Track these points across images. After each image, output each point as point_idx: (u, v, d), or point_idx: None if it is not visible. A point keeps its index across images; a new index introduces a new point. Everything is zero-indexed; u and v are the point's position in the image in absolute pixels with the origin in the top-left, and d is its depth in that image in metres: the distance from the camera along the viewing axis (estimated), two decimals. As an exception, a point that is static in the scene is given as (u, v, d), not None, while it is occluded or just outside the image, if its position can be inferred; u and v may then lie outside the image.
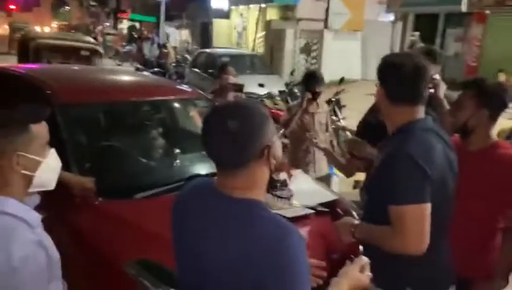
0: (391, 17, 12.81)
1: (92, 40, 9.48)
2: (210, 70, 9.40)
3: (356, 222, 1.71)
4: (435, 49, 2.65)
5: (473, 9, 10.56)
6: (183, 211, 1.23)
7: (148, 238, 1.95)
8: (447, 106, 2.30)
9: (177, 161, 2.84)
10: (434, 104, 2.25)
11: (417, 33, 10.57)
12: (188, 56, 15.28)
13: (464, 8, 10.56)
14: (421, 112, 1.60)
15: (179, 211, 1.25)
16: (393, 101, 1.58)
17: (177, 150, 2.93)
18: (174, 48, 20.06)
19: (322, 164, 3.77)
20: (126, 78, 3.51)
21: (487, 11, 10.62)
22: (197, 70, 10.46)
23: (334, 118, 6.59)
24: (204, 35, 24.31)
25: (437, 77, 2.36)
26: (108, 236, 1.99)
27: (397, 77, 1.55)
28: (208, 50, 12.40)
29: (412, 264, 1.53)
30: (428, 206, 1.48)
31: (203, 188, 1.22)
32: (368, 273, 1.24)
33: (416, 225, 1.46)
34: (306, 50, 13.29)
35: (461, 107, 1.90)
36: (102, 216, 2.13)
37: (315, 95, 3.61)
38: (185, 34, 26.09)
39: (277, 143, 1.15)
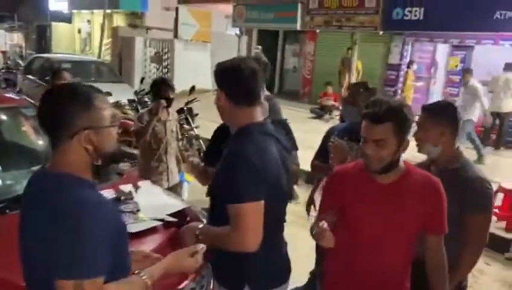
0: (238, 30, 13.51)
1: None
2: (47, 78, 8.47)
3: (200, 225, 1.73)
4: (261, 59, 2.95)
5: (306, 27, 11.84)
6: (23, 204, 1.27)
7: None
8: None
9: None
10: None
11: (260, 47, 11.37)
12: (20, 62, 13.56)
13: (299, 26, 11.75)
14: (259, 113, 1.70)
15: (22, 205, 1.28)
16: (235, 103, 1.65)
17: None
18: (3, 52, 17.59)
19: (174, 173, 3.72)
20: None
21: (317, 30, 12.03)
22: (31, 77, 9.34)
23: (187, 126, 6.61)
24: (41, 40, 21.94)
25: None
26: None
27: (237, 79, 1.64)
28: (45, 55, 11.20)
29: (249, 262, 1.61)
30: (262, 204, 1.57)
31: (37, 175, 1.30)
32: (198, 260, 1.35)
33: (252, 222, 1.55)
34: (157, 59, 13.06)
35: (383, 146, 1.62)
36: None
37: (168, 102, 3.51)
38: (17, 37, 23.10)
39: (104, 131, 1.22)
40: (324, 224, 1.57)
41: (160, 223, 2.26)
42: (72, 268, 1.06)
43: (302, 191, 4.43)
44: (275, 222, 1.68)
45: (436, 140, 2.01)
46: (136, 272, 1.25)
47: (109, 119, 1.23)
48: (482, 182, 2.00)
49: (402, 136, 1.64)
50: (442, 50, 11.28)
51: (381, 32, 10.42)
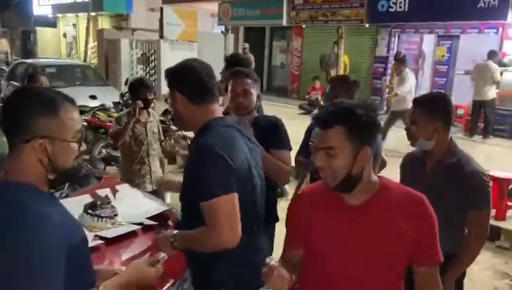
0: (223, 29, 13.43)
1: None
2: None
3: (175, 232, 1.67)
4: (237, 55, 2.90)
5: (292, 23, 11.79)
6: None
7: None
8: None
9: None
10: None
11: (247, 44, 11.30)
12: (5, 68, 13.37)
13: (285, 22, 11.70)
14: (218, 110, 1.70)
15: None
16: (194, 102, 1.63)
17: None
18: (-12, 59, 17.37)
19: (158, 174, 3.64)
20: None
21: (303, 25, 11.99)
22: (15, 83, 9.19)
23: (173, 127, 6.54)
24: (26, 45, 21.68)
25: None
26: None
27: (193, 77, 1.63)
28: (28, 60, 11.04)
29: (224, 264, 1.55)
30: (235, 196, 1.52)
31: None
32: (159, 269, 1.30)
33: (228, 215, 1.49)
34: (143, 60, 12.93)
35: (334, 156, 1.32)
36: None
37: (146, 103, 3.43)
38: (2, 43, 22.81)
39: (63, 144, 1.13)
40: (272, 261, 1.35)
41: (139, 227, 2.19)
42: None
43: (291, 188, 4.38)
44: (251, 219, 1.62)
45: (430, 135, 1.99)
46: (93, 287, 1.17)
47: (72, 133, 1.14)
48: (480, 176, 2.00)
49: (358, 143, 1.30)
50: (428, 41, 11.29)
51: (367, 25, 10.41)
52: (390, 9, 9.70)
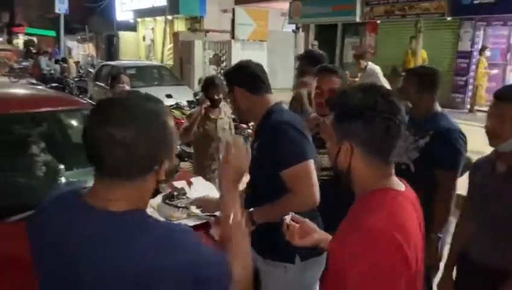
0: (294, 27, 13.36)
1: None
2: (112, 83, 8.96)
3: (250, 210, 1.80)
4: (312, 52, 2.90)
5: (366, 19, 11.39)
6: (43, 230, 1.02)
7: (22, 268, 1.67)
8: None
9: (63, 178, 2.55)
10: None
11: (316, 42, 11.12)
12: (91, 70, 14.49)
13: (358, 18, 11.34)
14: (274, 100, 1.93)
15: (38, 230, 1.04)
16: (254, 92, 1.88)
17: (63, 166, 2.63)
18: (77, 62, 18.92)
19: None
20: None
21: (378, 21, 11.52)
22: (100, 83, 9.90)
23: (243, 125, 6.62)
24: (109, 49, 23.32)
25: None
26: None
27: (250, 72, 1.90)
28: (112, 62, 11.86)
29: None
30: (312, 162, 1.75)
31: (67, 201, 1.03)
32: (248, 148, 1.25)
33: (309, 178, 1.72)
34: (215, 61, 13.28)
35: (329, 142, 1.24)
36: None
37: (214, 102, 3.54)
38: (88, 47, 24.77)
39: (173, 157, 1.04)
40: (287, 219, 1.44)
41: (212, 218, 2.22)
42: None
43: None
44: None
45: (510, 131, 1.72)
46: (224, 216, 1.13)
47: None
48: None
49: (340, 134, 1.14)
50: (518, 33, 10.30)
51: (449, 18, 9.73)
52: (475, 1, 8.98)
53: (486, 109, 7.37)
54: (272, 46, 12.88)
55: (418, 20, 9.48)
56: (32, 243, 1.06)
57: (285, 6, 13.22)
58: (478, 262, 1.85)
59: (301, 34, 13.28)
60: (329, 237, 1.42)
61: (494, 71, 9.99)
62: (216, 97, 3.54)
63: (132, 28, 22.44)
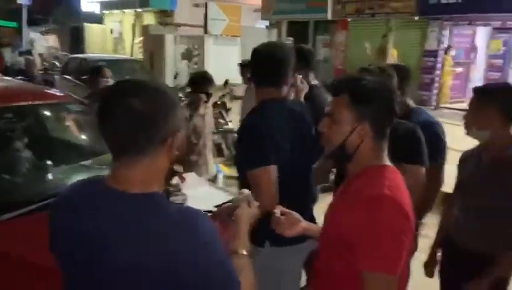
0: (267, 23, 13.43)
1: None
2: (83, 77, 8.69)
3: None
4: (301, 48, 2.88)
5: (337, 17, 11.60)
6: (66, 217, 1.03)
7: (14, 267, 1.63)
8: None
9: (49, 175, 2.49)
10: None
11: (291, 38, 11.23)
12: (57, 63, 13.99)
13: (329, 16, 11.53)
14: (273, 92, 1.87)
15: (61, 216, 1.04)
16: (259, 86, 1.89)
17: (48, 162, 2.56)
18: (40, 54, 18.19)
19: (212, 165, 3.73)
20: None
21: (349, 19, 11.76)
22: (68, 77, 9.58)
23: (221, 121, 6.61)
24: (75, 41, 22.56)
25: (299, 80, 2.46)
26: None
27: (257, 64, 1.90)
28: (80, 55, 11.49)
29: (269, 220, 1.57)
30: (273, 168, 1.74)
31: (91, 187, 1.05)
32: (255, 203, 1.34)
33: (258, 187, 1.68)
34: (187, 55, 13.15)
35: (334, 122, 1.30)
36: None
37: (208, 97, 3.51)
38: (52, 39, 23.87)
39: (182, 132, 1.05)
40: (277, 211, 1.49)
41: (208, 215, 2.22)
42: None
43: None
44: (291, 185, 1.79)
45: (483, 123, 1.89)
46: (231, 254, 1.16)
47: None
48: None
49: (358, 115, 1.24)
50: (482, 33, 10.79)
51: (416, 18, 10.07)
52: (442, 1, 9.34)
53: (450, 106, 7.77)
54: (245, 42, 12.89)
55: (388, 19, 9.75)
56: (54, 228, 1.06)
57: (258, 2, 13.26)
58: (463, 247, 1.98)
59: (274, 30, 13.36)
60: (315, 226, 1.57)
61: (459, 70, 10.45)
62: (210, 91, 3.50)
63: (99, 20, 21.82)
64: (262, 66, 1.86)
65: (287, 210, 1.53)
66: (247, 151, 1.78)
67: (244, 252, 1.18)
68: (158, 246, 0.92)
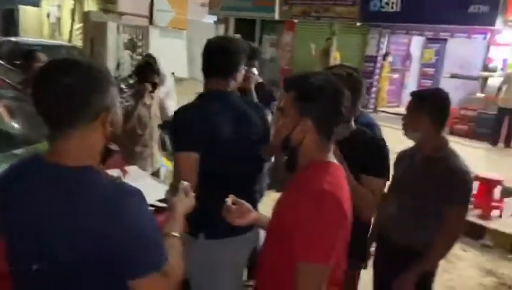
0: (215, 18, 13.33)
1: None
2: (17, 62, 8.10)
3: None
4: (249, 44, 2.93)
5: (284, 17, 11.79)
6: (6, 197, 1.07)
7: None
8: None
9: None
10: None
11: (238, 35, 11.23)
12: (-15, 45, 12.92)
13: (276, 16, 11.69)
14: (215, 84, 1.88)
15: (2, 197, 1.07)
16: (206, 76, 1.89)
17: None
18: (-34, 35, 16.70)
19: (157, 157, 3.65)
20: None
21: (295, 20, 12.00)
22: (0, 61, 8.89)
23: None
24: (8, 24, 20.95)
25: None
26: None
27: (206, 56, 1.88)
28: (13, 39, 10.70)
29: (204, 212, 1.55)
30: (193, 155, 1.74)
31: (30, 163, 1.10)
32: (192, 194, 1.38)
33: (184, 169, 1.73)
34: (131, 46, 12.69)
35: (283, 118, 1.35)
36: None
37: (153, 86, 3.41)
38: (-19, 20, 22.01)
39: (117, 110, 1.09)
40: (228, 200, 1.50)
41: (151, 209, 2.18)
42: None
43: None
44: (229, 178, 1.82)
45: (417, 125, 2.04)
46: (164, 233, 1.20)
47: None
48: (463, 174, 1.99)
49: (301, 112, 1.29)
50: (416, 42, 11.49)
51: (358, 24, 10.51)
52: (382, 9, 9.83)
53: (387, 109, 8.19)
54: (191, 36, 12.70)
55: (332, 23, 10.08)
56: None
57: (206, -4, 13.13)
58: (397, 243, 2.10)
59: (221, 26, 13.30)
60: (265, 216, 1.59)
61: (395, 76, 11.05)
62: (156, 80, 3.41)
63: (35, 3, 20.44)
64: (213, 57, 1.85)
65: (239, 200, 1.53)
66: (172, 136, 1.89)
67: (175, 234, 1.23)
68: (88, 216, 0.98)
